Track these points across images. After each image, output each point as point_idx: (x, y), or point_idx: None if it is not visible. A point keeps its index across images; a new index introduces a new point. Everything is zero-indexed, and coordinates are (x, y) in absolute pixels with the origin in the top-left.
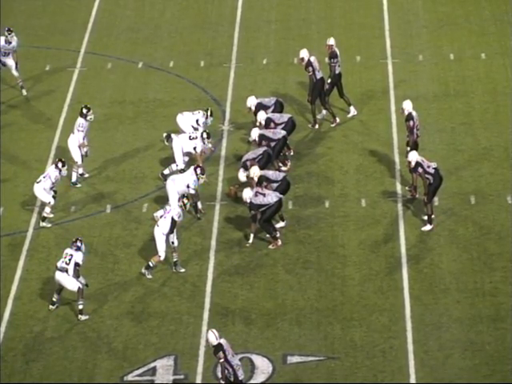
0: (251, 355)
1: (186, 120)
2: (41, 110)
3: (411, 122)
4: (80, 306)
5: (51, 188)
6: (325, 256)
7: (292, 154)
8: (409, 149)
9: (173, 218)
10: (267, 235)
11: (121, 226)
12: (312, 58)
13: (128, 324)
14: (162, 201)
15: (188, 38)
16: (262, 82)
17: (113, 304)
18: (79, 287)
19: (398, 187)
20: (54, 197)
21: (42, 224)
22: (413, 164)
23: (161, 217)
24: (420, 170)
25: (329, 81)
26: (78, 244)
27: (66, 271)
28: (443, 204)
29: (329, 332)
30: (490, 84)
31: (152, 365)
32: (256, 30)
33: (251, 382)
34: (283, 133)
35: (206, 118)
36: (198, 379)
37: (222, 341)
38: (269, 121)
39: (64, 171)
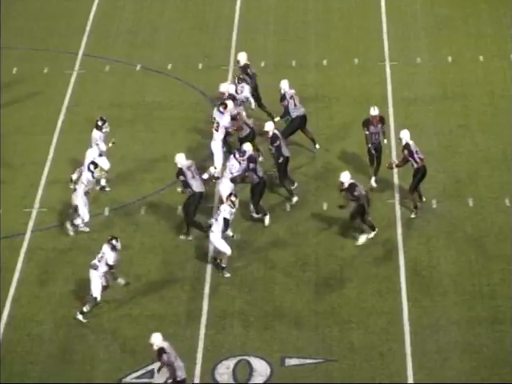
0: (249, 358)
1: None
2: (38, 113)
3: (406, 152)
4: (84, 309)
5: (86, 193)
6: (323, 258)
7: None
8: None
9: (225, 218)
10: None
11: (119, 228)
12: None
13: (126, 326)
14: (160, 203)
15: (186, 40)
16: (260, 85)
17: (111, 306)
18: (96, 297)
19: (396, 190)
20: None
21: (68, 226)
22: (403, 142)
23: (215, 220)
24: (406, 152)
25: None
26: (113, 242)
27: (97, 268)
28: (441, 207)
29: (327, 334)
30: (488, 86)
31: (150, 367)
32: (254, 33)
33: None
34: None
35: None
36: (196, 381)
37: (165, 344)
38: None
39: (96, 173)
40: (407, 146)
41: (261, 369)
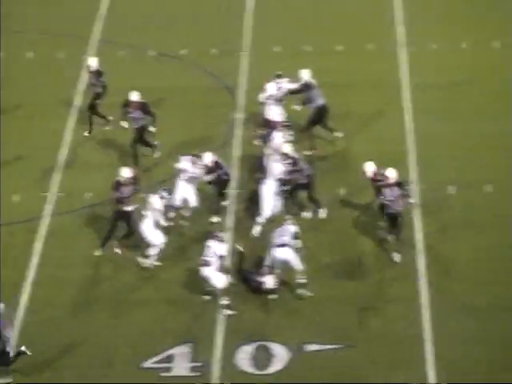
0: (269, 343)
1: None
2: (53, 98)
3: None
4: (226, 302)
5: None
6: (342, 244)
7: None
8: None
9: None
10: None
11: (135, 212)
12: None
13: (146, 311)
14: (175, 189)
15: (200, 25)
16: (276, 70)
17: (130, 291)
18: (223, 287)
19: (414, 175)
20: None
21: (141, 260)
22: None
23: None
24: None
25: None
26: (220, 235)
27: (210, 265)
28: (459, 193)
29: (346, 320)
30: (504, 73)
31: (170, 352)
32: (269, 18)
33: (269, 369)
34: None
35: None
36: (216, 367)
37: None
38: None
39: (167, 197)
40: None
41: (280, 354)
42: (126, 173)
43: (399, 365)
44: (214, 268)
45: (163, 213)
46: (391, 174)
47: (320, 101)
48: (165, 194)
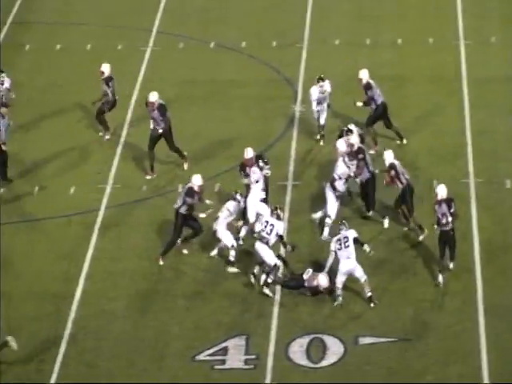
0: (323, 336)
1: None
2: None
3: (392, 172)
4: (269, 280)
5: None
6: (396, 238)
7: None
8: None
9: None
10: None
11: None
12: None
13: (199, 304)
14: (233, 180)
15: (260, 17)
16: (335, 63)
17: (184, 284)
18: (276, 263)
19: (471, 168)
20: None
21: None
22: (386, 163)
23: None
24: (393, 172)
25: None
26: (279, 212)
27: (267, 242)
28: None
29: (401, 314)
30: None
31: (223, 344)
32: (329, 10)
33: (323, 362)
34: None
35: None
36: (270, 359)
37: None
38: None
39: (242, 202)
40: (393, 166)
41: (334, 347)
42: (197, 180)
43: (454, 359)
44: (224, 226)
45: (237, 216)
46: (441, 190)
47: (380, 99)
48: (239, 197)
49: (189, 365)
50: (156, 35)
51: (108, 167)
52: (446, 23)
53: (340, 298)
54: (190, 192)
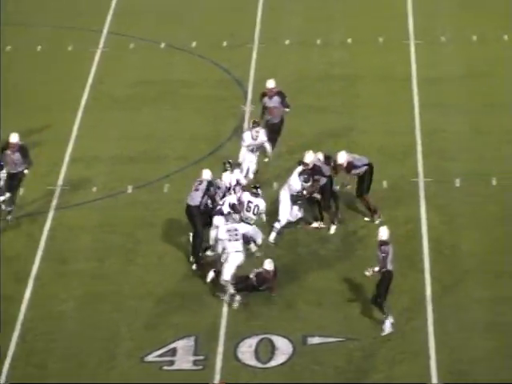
0: (271, 336)
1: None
2: (63, 91)
3: (346, 171)
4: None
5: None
6: (345, 237)
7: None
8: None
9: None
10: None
11: (142, 206)
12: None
13: (149, 304)
14: (184, 181)
15: (211, 18)
16: (285, 63)
17: (134, 284)
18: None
19: (421, 168)
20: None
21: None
22: (342, 164)
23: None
24: (346, 170)
25: None
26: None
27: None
28: (465, 185)
29: (348, 313)
30: None
31: (172, 345)
32: (279, 10)
33: (272, 362)
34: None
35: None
36: (219, 360)
37: None
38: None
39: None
40: (348, 164)
41: (283, 347)
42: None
43: (402, 358)
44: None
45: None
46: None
47: (364, 167)
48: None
49: (139, 365)
50: (106, 36)
51: (57, 169)
52: (396, 22)
53: (237, 297)
54: (208, 193)
